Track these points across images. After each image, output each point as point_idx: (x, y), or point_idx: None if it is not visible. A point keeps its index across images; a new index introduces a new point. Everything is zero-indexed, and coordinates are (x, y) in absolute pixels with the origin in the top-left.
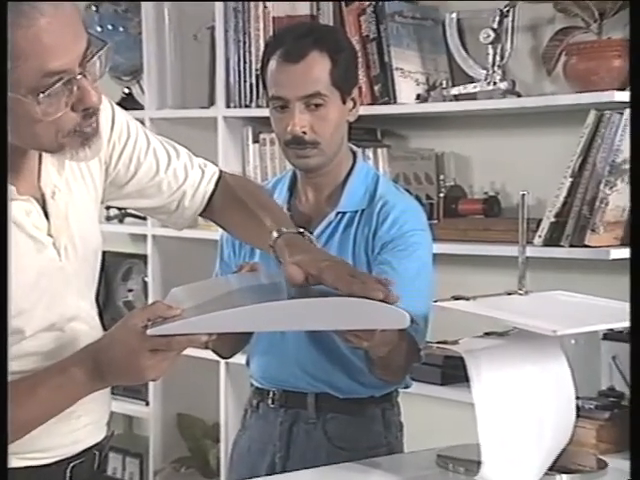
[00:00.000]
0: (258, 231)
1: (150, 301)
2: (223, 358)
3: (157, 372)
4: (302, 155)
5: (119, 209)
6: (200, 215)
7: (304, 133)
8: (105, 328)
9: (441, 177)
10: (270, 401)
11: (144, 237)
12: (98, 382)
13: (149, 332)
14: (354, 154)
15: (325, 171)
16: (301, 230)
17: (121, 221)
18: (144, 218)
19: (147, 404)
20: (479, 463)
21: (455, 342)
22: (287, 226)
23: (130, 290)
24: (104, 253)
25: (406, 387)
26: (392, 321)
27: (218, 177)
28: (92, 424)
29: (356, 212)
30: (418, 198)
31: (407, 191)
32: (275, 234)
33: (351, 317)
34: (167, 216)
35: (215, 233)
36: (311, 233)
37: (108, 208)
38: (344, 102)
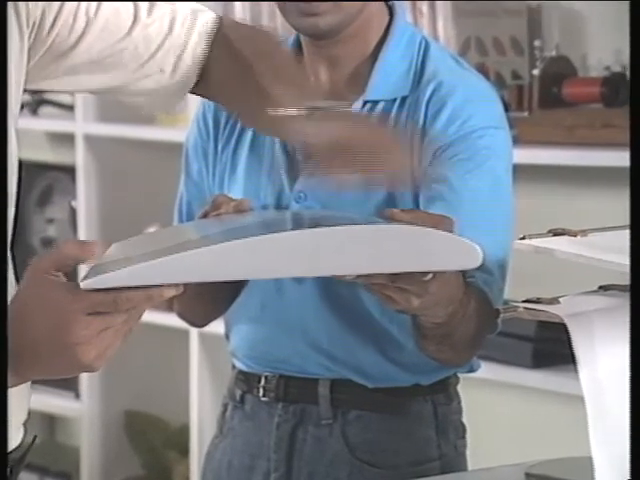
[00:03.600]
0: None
1: (82, 237)
2: (195, 326)
3: (99, 350)
4: (308, 11)
5: (33, 93)
6: (194, 91)
7: None
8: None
9: (537, 43)
10: (261, 392)
11: (71, 138)
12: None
13: (84, 285)
14: (390, 9)
15: (345, 36)
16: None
17: (34, 112)
18: (70, 107)
19: (77, 396)
20: None
21: (553, 301)
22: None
23: (50, 220)
24: None
25: (471, 371)
26: (456, 257)
27: (214, 27)
28: None
29: (394, 101)
30: (499, 78)
31: (479, 67)
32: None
33: (390, 254)
34: (143, 97)
35: (181, 132)
36: None
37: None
38: None
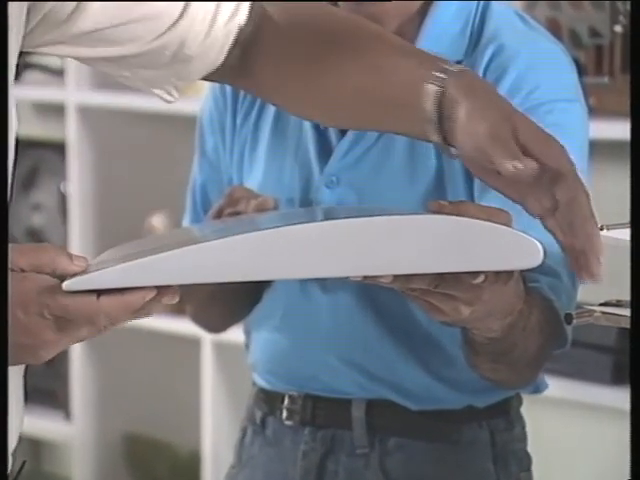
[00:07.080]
0: (386, 79)
1: (73, 227)
2: (212, 332)
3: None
4: None
5: (19, 54)
6: (215, 78)
7: None
8: None
9: None
10: (285, 414)
11: (60, 109)
12: None
13: (66, 285)
14: None
15: None
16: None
17: (17, 77)
18: (59, 72)
19: (68, 417)
20: None
21: None
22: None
23: (36, 207)
24: None
25: (536, 391)
26: (510, 255)
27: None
28: None
29: None
30: (574, 36)
31: (550, 24)
32: (438, 74)
33: (430, 251)
34: (153, 72)
35: (191, 103)
36: None
37: None
38: None
